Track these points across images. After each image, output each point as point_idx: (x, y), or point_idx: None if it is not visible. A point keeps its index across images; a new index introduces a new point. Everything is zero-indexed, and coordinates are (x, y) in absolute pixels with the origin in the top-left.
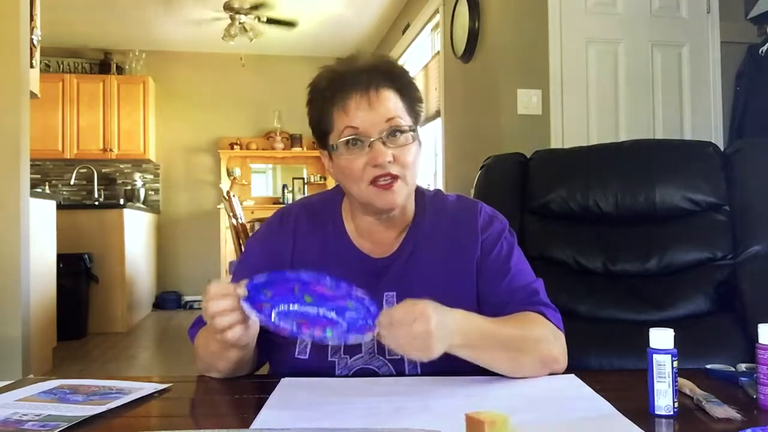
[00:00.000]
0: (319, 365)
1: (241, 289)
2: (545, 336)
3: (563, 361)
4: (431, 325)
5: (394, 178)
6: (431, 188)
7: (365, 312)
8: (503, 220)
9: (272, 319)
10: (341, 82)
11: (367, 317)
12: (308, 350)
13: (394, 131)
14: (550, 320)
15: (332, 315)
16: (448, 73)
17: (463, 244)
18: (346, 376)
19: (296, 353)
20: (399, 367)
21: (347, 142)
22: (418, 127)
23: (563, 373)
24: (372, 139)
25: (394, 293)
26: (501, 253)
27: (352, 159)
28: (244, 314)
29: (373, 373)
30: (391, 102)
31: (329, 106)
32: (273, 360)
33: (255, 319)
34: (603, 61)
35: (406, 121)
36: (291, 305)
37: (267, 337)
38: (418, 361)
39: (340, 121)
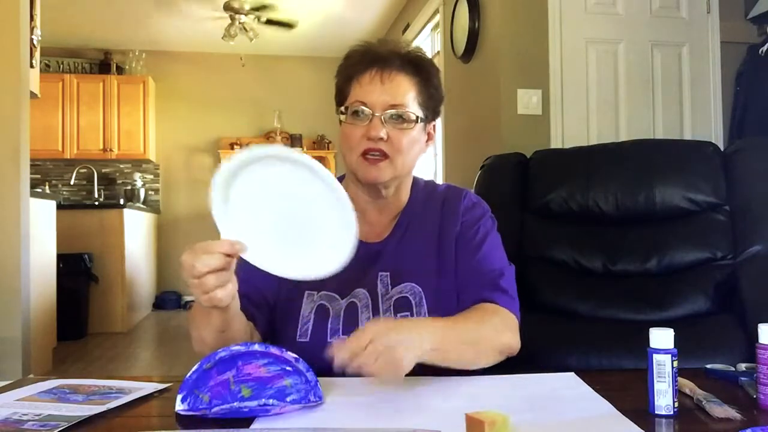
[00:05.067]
0: (320, 347)
1: (240, 245)
2: (497, 325)
3: (516, 345)
4: (387, 338)
5: (384, 156)
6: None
7: (305, 384)
8: (485, 207)
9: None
10: (366, 57)
11: (308, 392)
12: (309, 333)
13: (397, 114)
14: (503, 307)
15: (273, 402)
16: (448, 73)
17: (446, 226)
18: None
19: (297, 336)
20: None
21: (353, 112)
22: (432, 124)
23: (563, 373)
24: (374, 114)
25: (388, 273)
26: (476, 236)
27: (352, 128)
28: (230, 273)
29: None
30: (403, 87)
31: (350, 75)
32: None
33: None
34: (603, 61)
35: (412, 109)
36: (231, 404)
37: (267, 320)
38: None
39: (354, 92)
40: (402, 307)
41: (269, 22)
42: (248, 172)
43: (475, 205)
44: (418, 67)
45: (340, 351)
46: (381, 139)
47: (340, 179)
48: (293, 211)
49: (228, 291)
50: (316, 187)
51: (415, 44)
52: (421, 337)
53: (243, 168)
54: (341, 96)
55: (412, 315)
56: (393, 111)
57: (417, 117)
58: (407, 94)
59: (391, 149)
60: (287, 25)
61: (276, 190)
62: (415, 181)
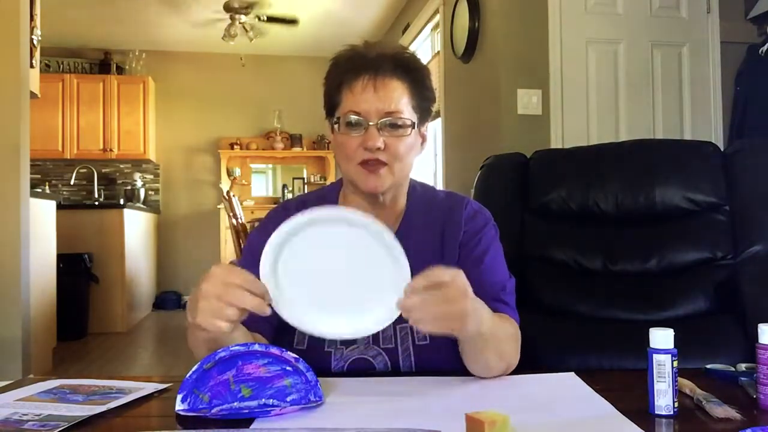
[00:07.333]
0: (317, 356)
1: (264, 308)
2: (517, 343)
3: (516, 363)
4: (465, 301)
5: (382, 164)
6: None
7: (305, 384)
8: (488, 215)
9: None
10: (356, 62)
11: (308, 392)
12: (306, 341)
13: (393, 122)
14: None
15: (273, 402)
16: (448, 73)
17: (448, 236)
18: (342, 367)
19: (294, 344)
20: (393, 357)
21: (347, 122)
22: (425, 125)
23: (563, 373)
24: (370, 123)
25: None
26: (478, 247)
27: (348, 138)
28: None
29: (368, 364)
30: (396, 93)
31: (340, 82)
32: None
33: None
34: (603, 61)
35: (407, 114)
36: (231, 404)
37: (275, 327)
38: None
39: (347, 100)
40: (402, 319)
41: (270, 19)
42: (300, 238)
43: (476, 214)
44: (409, 69)
45: (418, 280)
46: (378, 148)
47: (337, 185)
48: (344, 273)
49: (219, 326)
50: (371, 247)
51: (415, 44)
52: (482, 316)
53: (296, 233)
54: (331, 104)
55: (411, 328)
56: (388, 119)
57: (412, 122)
58: (401, 100)
59: (389, 157)
60: (289, 22)
61: (327, 253)
62: (412, 185)
